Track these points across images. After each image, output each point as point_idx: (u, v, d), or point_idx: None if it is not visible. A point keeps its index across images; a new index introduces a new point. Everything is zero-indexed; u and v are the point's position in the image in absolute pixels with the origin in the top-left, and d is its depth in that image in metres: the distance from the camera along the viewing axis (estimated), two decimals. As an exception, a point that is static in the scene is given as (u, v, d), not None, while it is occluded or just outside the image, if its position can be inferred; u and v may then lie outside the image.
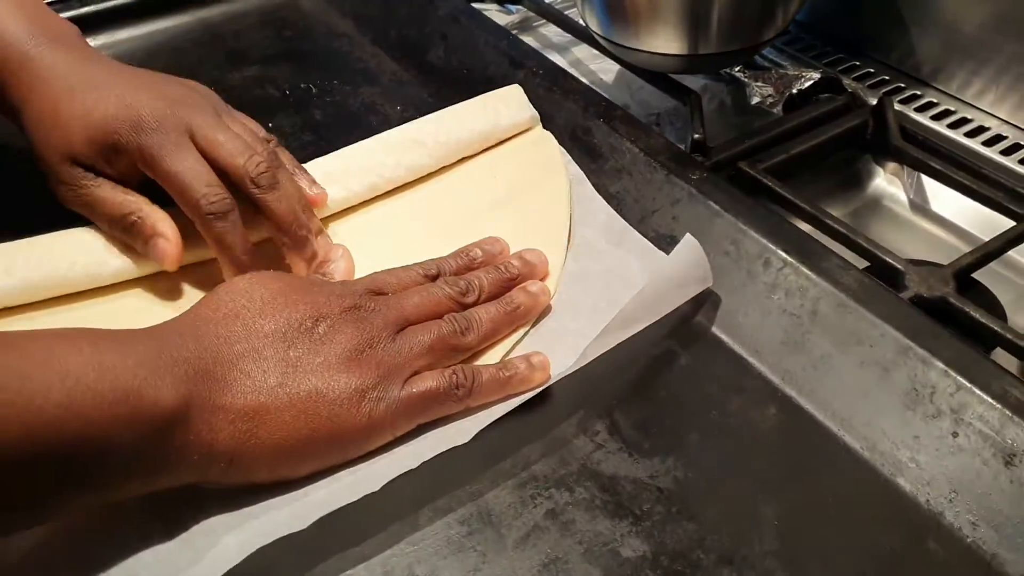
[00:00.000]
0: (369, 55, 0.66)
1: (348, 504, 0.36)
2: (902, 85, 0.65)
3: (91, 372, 0.32)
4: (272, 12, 0.71)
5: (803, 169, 0.58)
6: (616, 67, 0.69)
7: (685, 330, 0.44)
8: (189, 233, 0.45)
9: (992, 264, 0.50)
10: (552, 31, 0.74)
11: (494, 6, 0.77)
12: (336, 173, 0.51)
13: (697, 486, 0.38)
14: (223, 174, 0.45)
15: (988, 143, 0.59)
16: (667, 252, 0.45)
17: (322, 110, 0.61)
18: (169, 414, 0.34)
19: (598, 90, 0.58)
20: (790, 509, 0.37)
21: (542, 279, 0.46)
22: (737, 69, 0.65)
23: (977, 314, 0.45)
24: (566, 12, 0.73)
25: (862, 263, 0.48)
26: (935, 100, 0.63)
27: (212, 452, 0.35)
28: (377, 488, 0.36)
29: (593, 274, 0.47)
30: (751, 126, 0.61)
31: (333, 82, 0.63)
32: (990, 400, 0.37)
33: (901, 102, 0.63)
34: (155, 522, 0.36)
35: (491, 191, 0.52)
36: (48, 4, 0.62)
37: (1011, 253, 0.52)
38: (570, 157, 0.54)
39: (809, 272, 0.43)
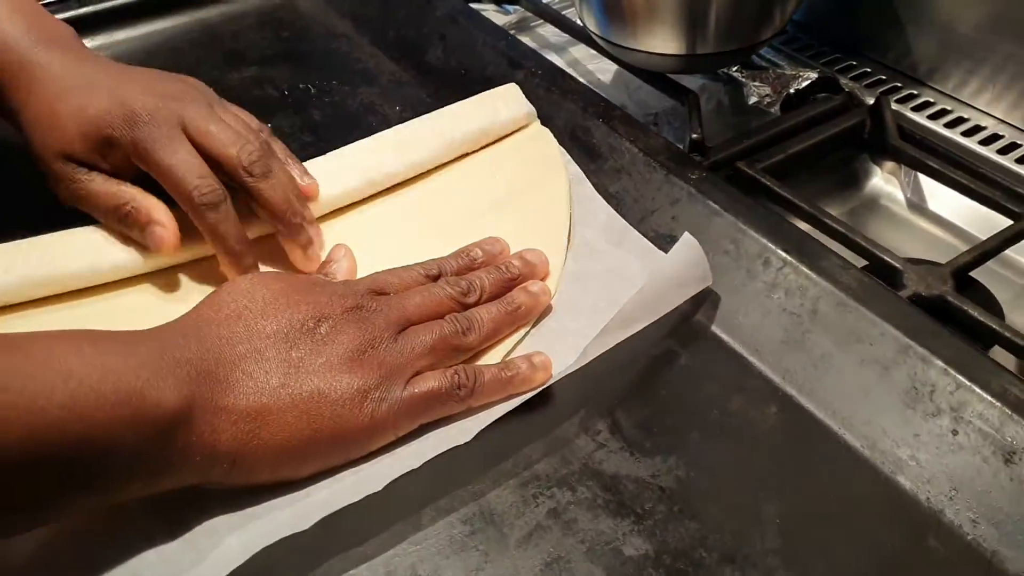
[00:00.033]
0: (368, 55, 0.66)
1: (350, 504, 0.36)
2: (899, 85, 0.65)
3: (94, 373, 0.32)
4: (270, 13, 0.71)
5: (801, 168, 0.58)
6: (614, 67, 0.69)
7: (685, 329, 0.45)
8: (190, 229, 0.46)
9: (989, 263, 0.51)
10: (550, 31, 0.75)
11: (491, 6, 0.77)
12: (333, 171, 0.51)
13: (698, 485, 0.38)
14: (216, 165, 0.46)
15: (985, 142, 0.60)
16: (667, 252, 0.45)
17: (321, 110, 0.61)
18: (172, 415, 0.34)
19: (596, 90, 0.58)
20: (791, 507, 0.37)
21: (542, 279, 0.46)
22: (734, 69, 0.66)
23: (975, 312, 0.45)
24: (563, 12, 0.73)
25: (860, 262, 0.49)
26: (932, 99, 0.63)
27: (215, 453, 0.35)
28: (379, 488, 0.36)
29: (593, 274, 0.47)
30: (748, 126, 0.61)
31: (332, 82, 0.63)
32: (989, 398, 0.38)
33: (898, 101, 0.63)
34: (158, 523, 0.36)
35: (491, 191, 0.52)
36: (46, 5, 0.62)
37: (1008, 252, 0.52)
38: (569, 156, 0.54)
39: (809, 271, 0.44)
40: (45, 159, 0.47)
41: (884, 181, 0.62)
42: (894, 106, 0.61)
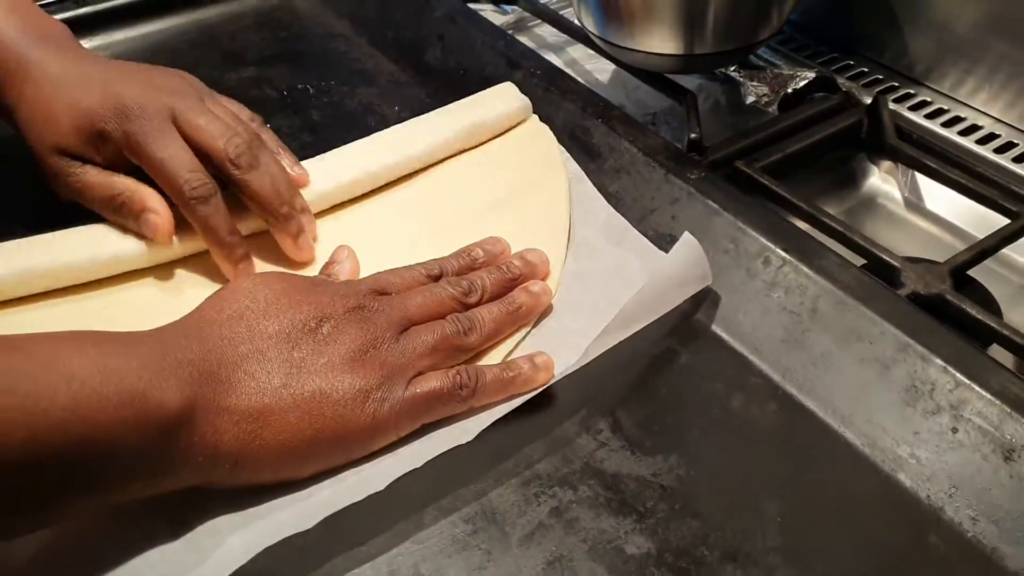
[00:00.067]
0: (366, 56, 0.67)
1: (353, 504, 0.36)
2: (896, 84, 0.65)
3: (96, 375, 0.32)
4: (268, 13, 0.71)
5: (798, 168, 0.58)
6: (611, 67, 0.69)
7: (686, 329, 0.45)
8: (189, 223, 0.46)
9: (987, 261, 0.51)
10: (547, 31, 0.75)
11: (489, 6, 0.77)
12: (329, 167, 0.51)
13: (699, 483, 0.38)
14: (206, 157, 0.46)
15: (981, 141, 0.60)
16: (667, 251, 0.45)
17: (320, 111, 0.61)
18: (174, 416, 0.34)
19: (594, 90, 0.58)
20: (792, 505, 0.37)
21: (543, 279, 0.46)
22: (732, 69, 0.66)
23: (974, 311, 0.45)
24: (561, 12, 0.73)
25: (859, 261, 0.49)
26: (928, 99, 0.64)
27: (217, 453, 0.35)
28: (382, 488, 0.36)
29: (593, 273, 0.47)
30: (746, 125, 0.61)
31: (330, 83, 0.63)
32: (989, 396, 0.38)
33: (895, 101, 0.63)
34: (160, 523, 0.36)
35: (491, 190, 0.53)
36: (44, 5, 0.62)
37: (1005, 250, 0.53)
38: (569, 156, 0.54)
39: (808, 270, 0.44)
40: (41, 154, 0.47)
41: (881, 180, 0.62)
42: (891, 105, 0.62)
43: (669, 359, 0.43)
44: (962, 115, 0.62)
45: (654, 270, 0.44)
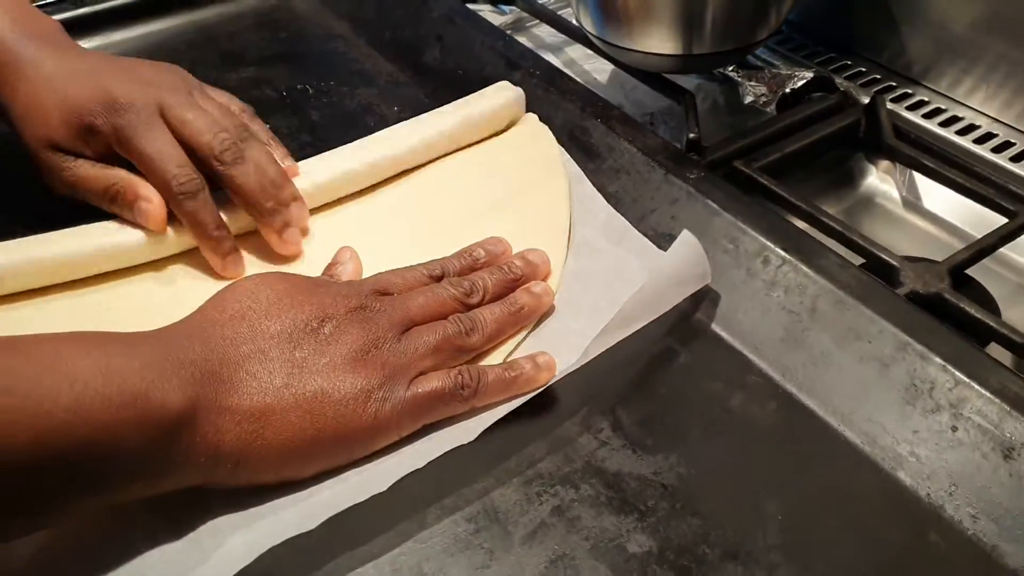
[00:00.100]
0: (365, 56, 0.67)
1: (356, 504, 0.36)
2: (893, 84, 0.65)
3: (99, 376, 0.32)
4: (267, 14, 0.71)
5: (797, 167, 0.59)
6: (609, 67, 0.69)
7: (686, 328, 0.45)
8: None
9: (985, 260, 0.51)
10: (545, 31, 0.75)
11: (487, 7, 0.77)
12: (324, 162, 0.52)
13: (700, 482, 0.38)
14: (193, 152, 0.47)
15: (979, 141, 0.60)
16: (667, 251, 0.45)
17: (319, 111, 0.61)
18: (176, 416, 0.34)
19: (593, 90, 0.58)
20: (792, 504, 0.37)
21: (545, 279, 0.46)
22: (730, 69, 0.66)
23: (972, 310, 0.45)
24: (559, 12, 0.73)
25: (858, 260, 0.49)
26: (926, 98, 0.64)
27: (218, 453, 0.35)
28: (384, 488, 0.36)
29: (594, 273, 0.47)
30: (744, 125, 0.62)
31: (330, 83, 0.63)
32: (988, 395, 0.38)
33: (892, 101, 0.63)
34: (162, 522, 0.36)
35: (491, 190, 0.53)
36: (43, 6, 0.62)
37: (1003, 249, 0.53)
38: (568, 156, 0.54)
39: (808, 269, 0.44)
40: (34, 149, 0.48)
41: (879, 180, 0.62)
42: (889, 105, 0.62)
43: (669, 358, 0.44)
44: (960, 115, 0.62)
45: (654, 268, 0.44)
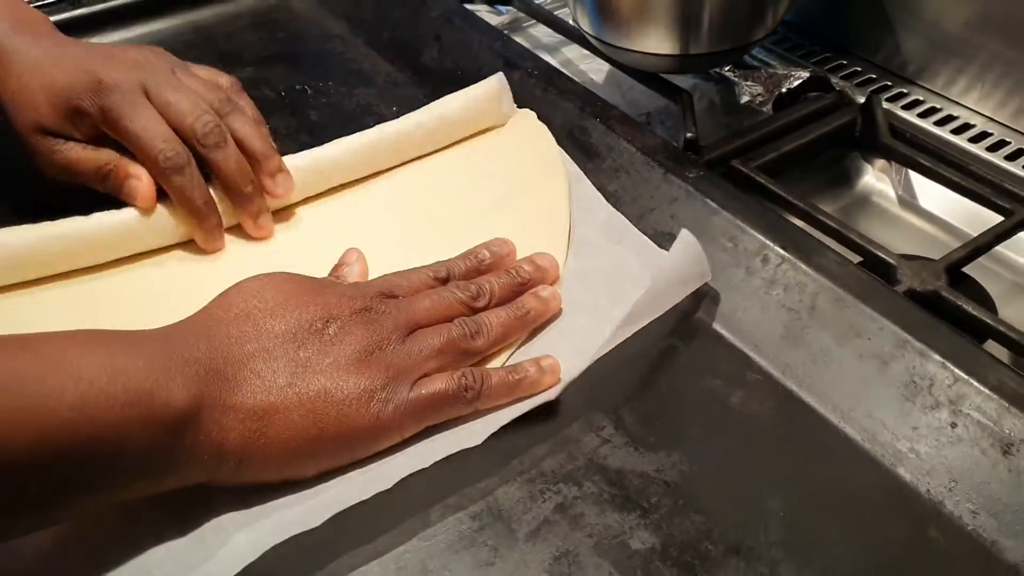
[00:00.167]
0: (363, 56, 0.67)
1: (360, 502, 0.36)
2: (889, 83, 0.66)
3: (103, 374, 0.33)
4: (265, 14, 0.71)
5: (793, 166, 0.59)
6: (606, 67, 0.70)
7: (686, 326, 0.45)
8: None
9: (981, 258, 0.51)
10: (542, 31, 0.75)
11: (484, 7, 0.77)
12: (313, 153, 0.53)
13: (702, 479, 0.38)
14: (179, 132, 0.48)
15: (974, 140, 0.61)
16: (666, 249, 0.46)
17: (318, 111, 0.61)
18: (180, 415, 0.34)
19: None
20: (794, 500, 0.37)
21: (552, 283, 0.46)
22: (727, 68, 0.66)
23: (969, 307, 0.46)
24: (556, 12, 0.74)
25: (855, 258, 0.49)
26: (921, 98, 0.64)
27: (222, 451, 0.35)
28: (389, 486, 0.36)
29: (594, 272, 0.47)
30: (740, 125, 0.62)
31: (328, 83, 0.63)
32: (987, 391, 0.38)
33: (888, 100, 0.64)
34: (166, 520, 0.36)
35: (491, 190, 0.53)
36: (41, 6, 0.62)
37: (999, 247, 0.53)
38: (568, 155, 0.54)
39: (807, 268, 0.44)
40: (24, 134, 0.49)
41: (875, 178, 0.63)
42: (884, 104, 0.62)
43: (670, 356, 0.44)
44: (954, 114, 0.63)
45: (656, 267, 0.45)
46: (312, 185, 0.52)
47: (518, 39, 0.69)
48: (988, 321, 0.45)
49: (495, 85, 0.57)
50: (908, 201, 0.61)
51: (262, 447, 0.36)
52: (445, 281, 0.44)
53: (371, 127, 0.55)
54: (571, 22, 0.67)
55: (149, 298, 0.47)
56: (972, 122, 0.62)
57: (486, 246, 0.47)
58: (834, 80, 0.65)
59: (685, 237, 0.44)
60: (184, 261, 0.49)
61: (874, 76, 0.66)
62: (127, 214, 0.48)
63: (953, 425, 0.38)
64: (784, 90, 0.63)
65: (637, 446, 0.39)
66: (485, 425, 0.39)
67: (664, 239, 0.48)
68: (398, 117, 0.55)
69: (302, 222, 0.52)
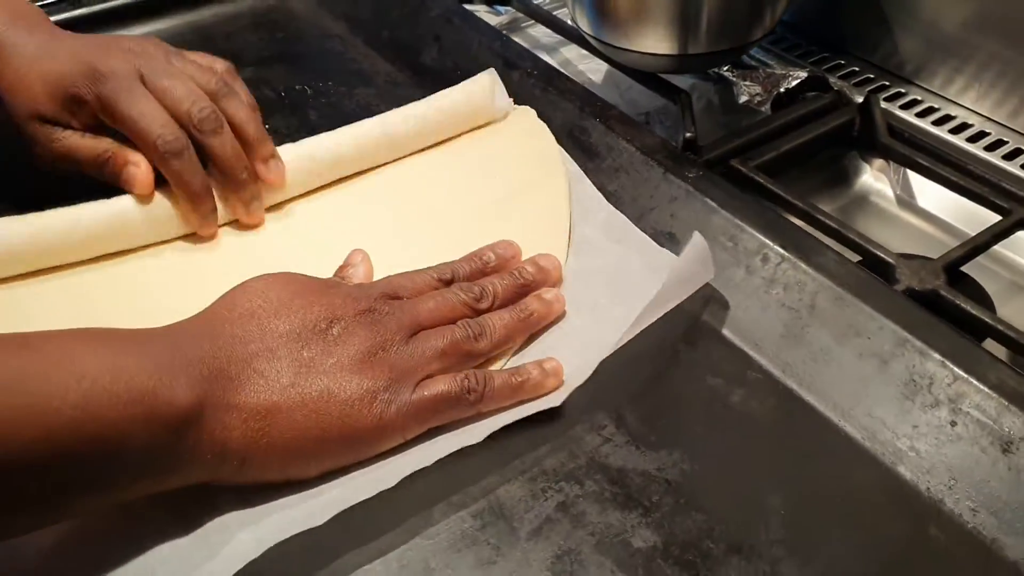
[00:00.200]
0: (362, 56, 0.67)
1: (363, 500, 0.36)
2: (886, 83, 0.66)
3: (107, 373, 0.33)
4: (264, 14, 0.71)
5: (792, 166, 0.59)
6: (605, 67, 0.70)
7: (686, 325, 0.45)
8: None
9: (979, 257, 0.52)
10: (541, 32, 0.75)
11: (483, 7, 0.77)
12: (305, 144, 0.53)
13: (703, 478, 0.38)
14: (175, 118, 0.49)
15: (972, 139, 0.61)
16: (666, 249, 0.46)
17: (318, 111, 0.61)
18: (184, 414, 0.34)
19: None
20: (794, 499, 0.38)
21: (556, 285, 0.46)
22: (725, 68, 0.66)
23: (968, 306, 0.46)
24: (554, 13, 0.74)
25: (854, 258, 0.49)
26: (919, 97, 0.65)
27: (225, 451, 0.35)
28: (392, 485, 0.36)
29: (594, 271, 0.47)
30: (739, 125, 0.62)
31: (328, 83, 0.63)
32: (987, 390, 0.39)
33: (886, 99, 0.64)
34: (169, 519, 0.36)
35: (491, 190, 0.53)
36: (42, 6, 0.62)
37: (996, 246, 0.53)
38: (568, 155, 0.54)
39: (806, 267, 0.44)
40: (22, 124, 0.50)
41: (874, 178, 0.63)
42: (882, 104, 0.62)
43: (671, 355, 0.44)
44: (952, 113, 0.63)
45: (664, 270, 0.44)
46: (305, 175, 0.52)
47: (517, 39, 0.69)
48: (987, 320, 0.45)
49: (487, 80, 0.57)
50: (906, 200, 0.61)
51: (265, 447, 0.36)
52: (449, 283, 0.44)
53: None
54: (570, 22, 0.67)
55: (146, 289, 0.47)
56: (970, 121, 0.62)
57: (491, 248, 0.47)
58: (832, 80, 0.65)
59: (697, 241, 0.44)
60: (181, 252, 0.49)
61: (872, 76, 0.67)
62: (124, 202, 0.48)
63: (953, 423, 0.39)
64: (782, 90, 0.63)
65: (638, 445, 0.40)
66: (486, 427, 0.39)
67: (664, 238, 0.48)
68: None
69: (298, 216, 0.52)
